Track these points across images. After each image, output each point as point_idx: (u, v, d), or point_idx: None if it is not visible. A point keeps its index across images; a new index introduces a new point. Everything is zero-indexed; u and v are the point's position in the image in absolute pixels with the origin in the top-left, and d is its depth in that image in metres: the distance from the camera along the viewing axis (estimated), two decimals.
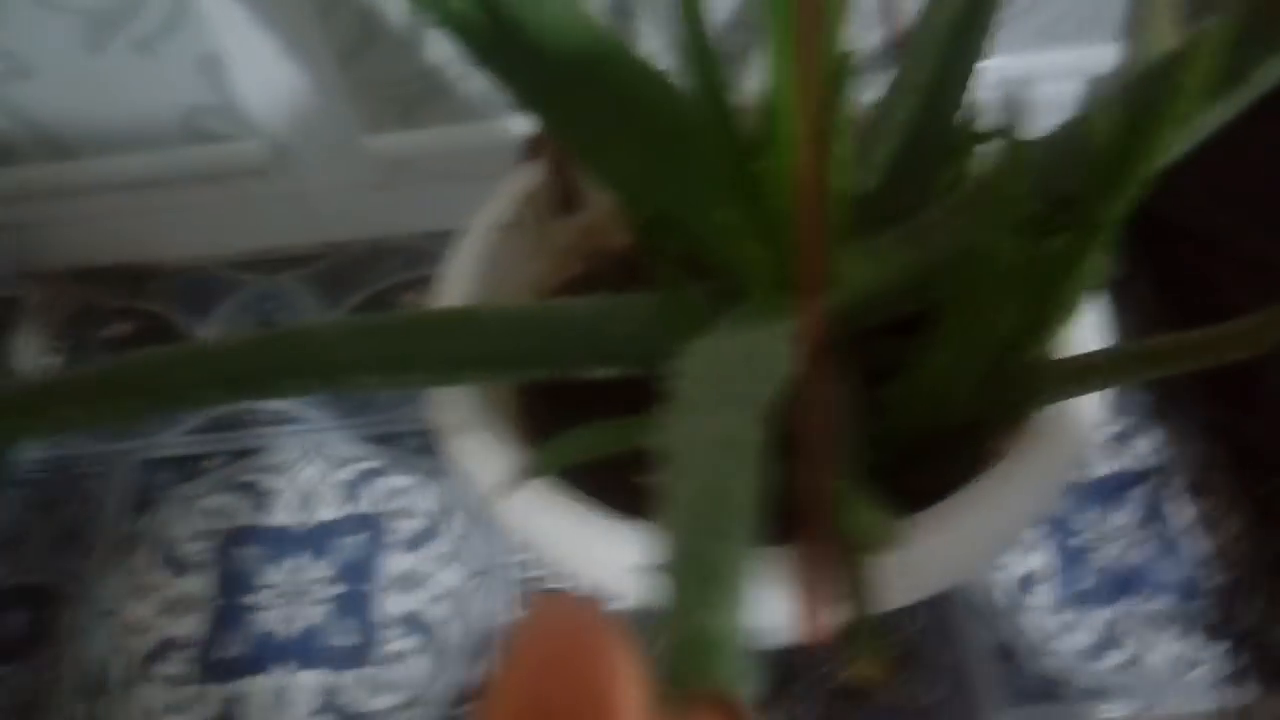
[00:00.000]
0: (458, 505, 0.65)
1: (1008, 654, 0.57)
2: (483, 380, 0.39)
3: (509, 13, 0.42)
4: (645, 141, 0.43)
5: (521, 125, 0.69)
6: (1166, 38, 0.46)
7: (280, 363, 0.34)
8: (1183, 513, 0.61)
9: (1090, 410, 0.40)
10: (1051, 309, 0.35)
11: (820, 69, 0.40)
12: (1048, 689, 0.56)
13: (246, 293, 0.77)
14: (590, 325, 0.41)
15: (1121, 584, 0.59)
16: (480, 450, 0.41)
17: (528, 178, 0.51)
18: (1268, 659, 0.55)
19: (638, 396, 0.42)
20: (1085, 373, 0.34)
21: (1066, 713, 0.55)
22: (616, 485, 0.46)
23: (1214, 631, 0.57)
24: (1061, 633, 0.57)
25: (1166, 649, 0.57)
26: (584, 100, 0.43)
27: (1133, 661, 0.56)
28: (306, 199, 0.74)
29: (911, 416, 0.40)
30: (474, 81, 0.67)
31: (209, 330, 0.75)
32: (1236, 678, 0.55)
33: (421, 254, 0.78)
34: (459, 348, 0.38)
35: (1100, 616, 0.58)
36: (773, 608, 0.37)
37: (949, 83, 0.45)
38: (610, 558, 0.39)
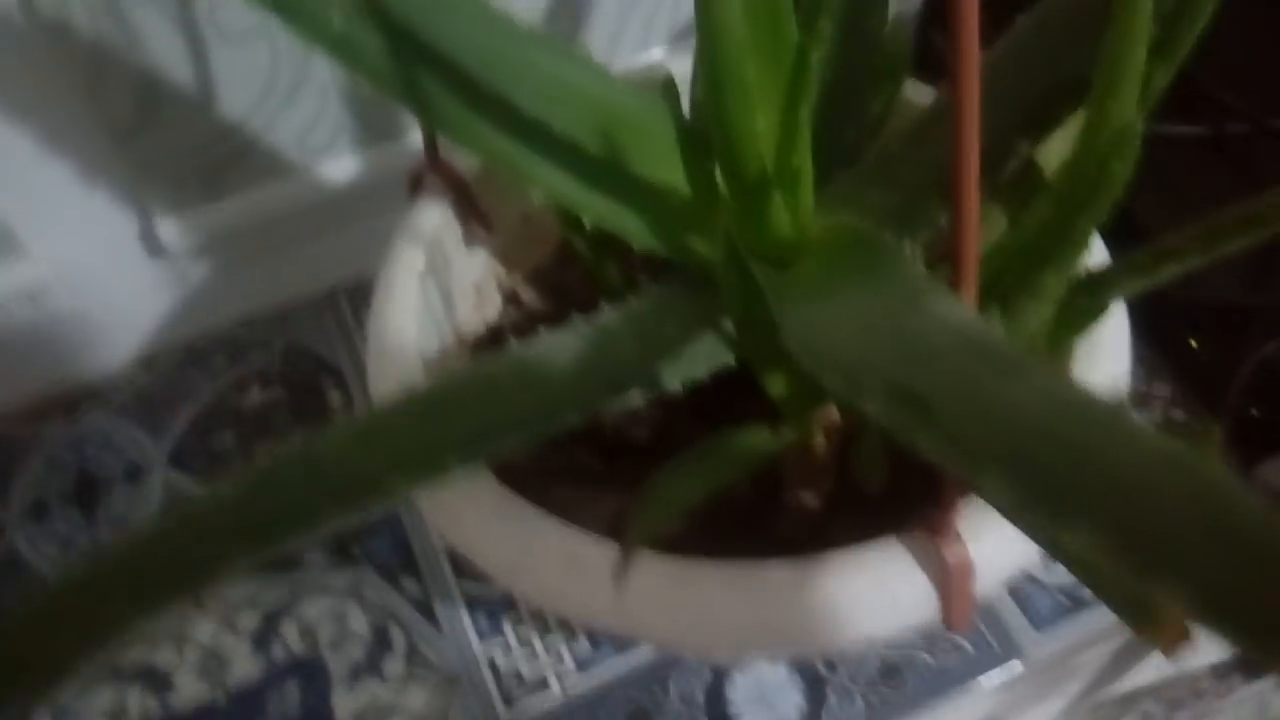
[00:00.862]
0: (393, 614, 0.56)
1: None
2: (511, 446, 0.32)
3: (404, 24, 0.35)
4: (585, 139, 0.38)
5: (346, 167, 0.62)
6: None
7: (295, 500, 0.26)
8: None
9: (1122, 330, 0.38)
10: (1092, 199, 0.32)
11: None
12: None
13: (50, 443, 0.63)
14: (612, 351, 0.35)
15: None
16: (516, 530, 0.34)
17: (425, 214, 0.43)
18: None
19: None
20: (1162, 256, 0.31)
21: None
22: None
23: None
24: None
25: None
26: (513, 107, 0.36)
27: None
28: (91, 316, 0.62)
29: None
30: (279, 131, 0.58)
31: (13, 508, 0.61)
32: None
33: (243, 345, 0.67)
34: (484, 417, 0.31)
35: None
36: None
37: (866, 5, 0.42)
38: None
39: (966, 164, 0.23)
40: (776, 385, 0.33)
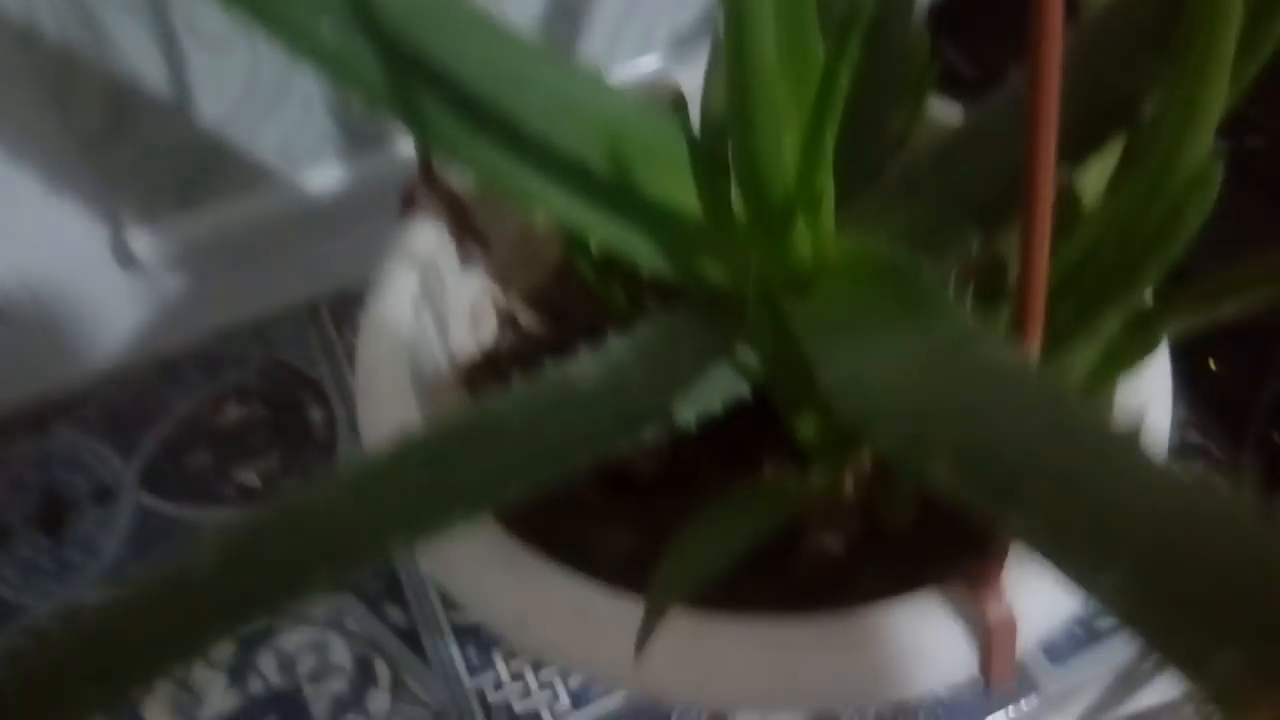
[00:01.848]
0: (377, 645, 0.53)
1: None
2: (517, 494, 0.30)
3: (399, 35, 0.32)
4: (591, 157, 0.35)
5: (330, 176, 0.59)
6: None
7: (284, 565, 0.24)
8: None
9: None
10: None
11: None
12: None
13: (14, 460, 0.60)
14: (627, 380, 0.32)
15: None
16: (520, 580, 0.31)
17: (419, 234, 0.41)
18: None
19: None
20: (1222, 291, 0.29)
21: None
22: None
23: None
24: None
25: None
26: (515, 123, 0.34)
27: None
28: (60, 329, 0.59)
29: None
30: (260, 139, 0.55)
31: None
32: None
33: (218, 359, 0.64)
34: (488, 464, 0.28)
35: None
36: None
37: (886, 13, 0.40)
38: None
39: (1039, 211, 0.20)
40: (807, 429, 0.30)
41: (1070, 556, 0.16)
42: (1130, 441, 0.18)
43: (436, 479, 0.28)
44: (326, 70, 0.32)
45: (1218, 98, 0.23)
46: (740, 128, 0.30)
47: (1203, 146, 0.23)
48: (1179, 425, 0.59)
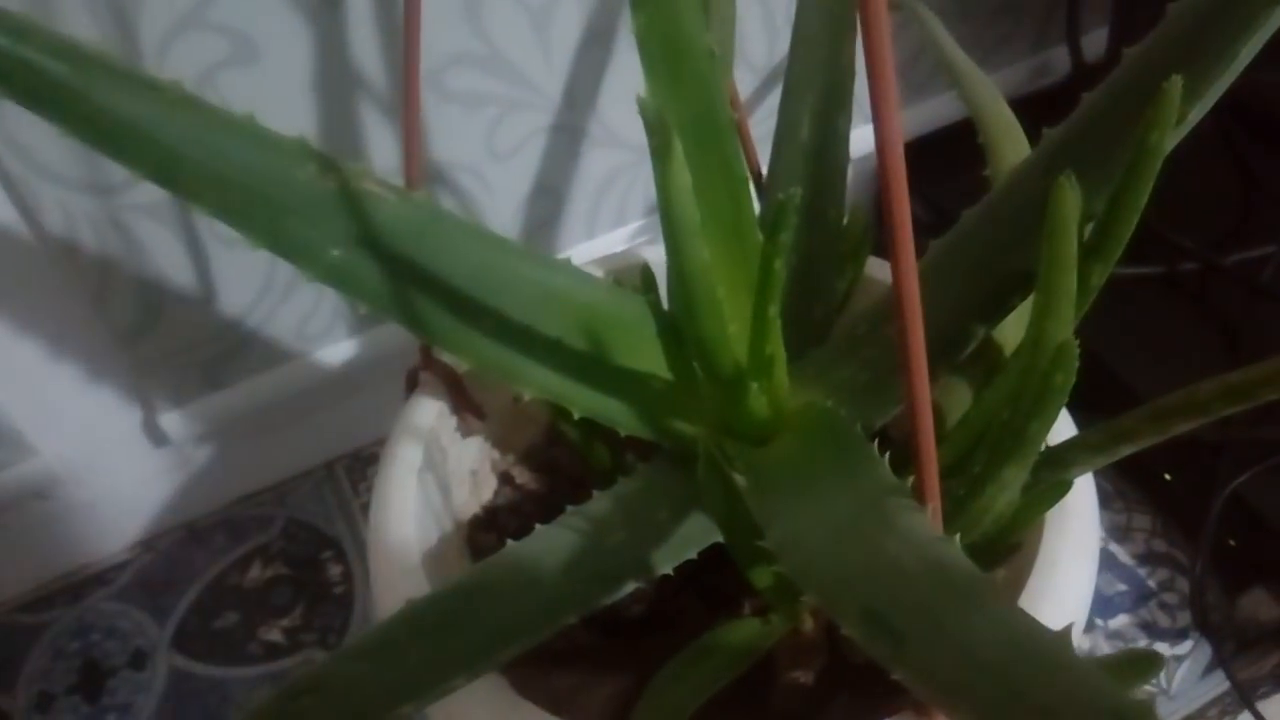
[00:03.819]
0: None
1: None
2: (514, 654, 0.34)
3: (397, 250, 0.38)
4: (571, 338, 0.40)
5: (343, 350, 0.64)
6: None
7: None
8: None
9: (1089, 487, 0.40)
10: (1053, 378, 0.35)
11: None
12: None
13: (56, 631, 0.64)
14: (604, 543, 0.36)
15: None
16: None
17: (421, 410, 0.45)
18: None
19: None
20: (1117, 438, 0.33)
21: None
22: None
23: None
24: None
25: None
26: (502, 315, 0.39)
27: None
28: (97, 506, 0.64)
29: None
30: (278, 323, 0.60)
31: (19, 700, 0.62)
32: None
33: (243, 523, 0.69)
34: (487, 627, 0.32)
35: None
36: None
37: (823, 193, 0.46)
38: None
39: (921, 414, 0.25)
40: (763, 579, 0.34)
41: (940, 702, 0.20)
42: (995, 599, 0.22)
43: (441, 646, 0.32)
44: (333, 285, 0.37)
45: (1068, 286, 0.28)
46: (687, 318, 0.35)
47: (1063, 326, 0.28)
48: (1145, 535, 0.62)
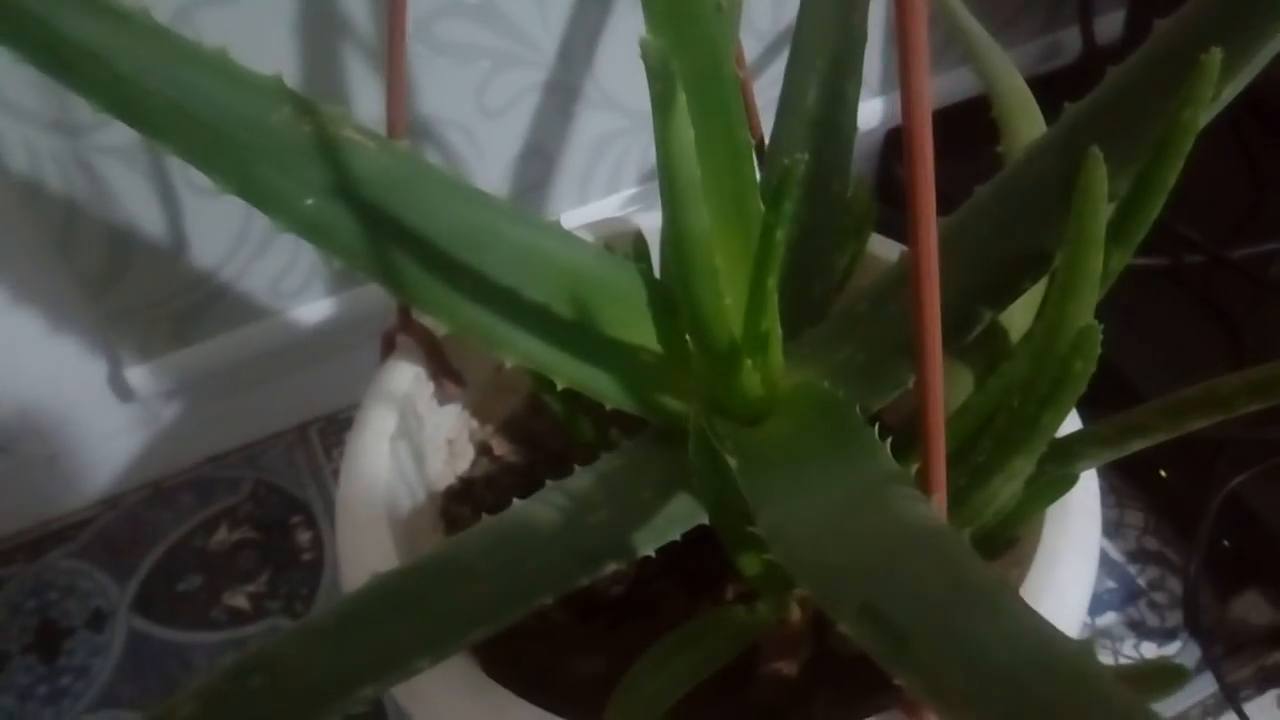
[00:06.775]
0: None
1: None
2: (485, 635, 0.32)
3: (375, 202, 0.35)
4: (556, 304, 0.38)
5: (318, 309, 0.62)
6: None
7: (261, 714, 0.26)
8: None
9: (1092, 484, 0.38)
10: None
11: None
12: None
13: (12, 588, 0.62)
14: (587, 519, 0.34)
15: None
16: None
17: (397, 375, 0.43)
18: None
19: None
20: (1128, 432, 0.32)
21: None
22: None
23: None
24: None
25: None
26: (483, 277, 0.37)
27: None
28: (59, 460, 0.61)
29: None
30: (252, 278, 0.58)
31: None
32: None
33: (211, 484, 0.67)
34: (456, 606, 0.30)
35: None
36: None
37: (827, 164, 0.44)
38: None
39: (933, 397, 0.23)
40: (751, 566, 0.33)
41: (945, 710, 0.18)
42: (1010, 599, 0.20)
43: (406, 625, 0.30)
44: (307, 237, 0.35)
45: (1094, 268, 0.26)
46: (682, 287, 0.33)
47: (1086, 310, 0.26)
48: (1136, 532, 0.61)
